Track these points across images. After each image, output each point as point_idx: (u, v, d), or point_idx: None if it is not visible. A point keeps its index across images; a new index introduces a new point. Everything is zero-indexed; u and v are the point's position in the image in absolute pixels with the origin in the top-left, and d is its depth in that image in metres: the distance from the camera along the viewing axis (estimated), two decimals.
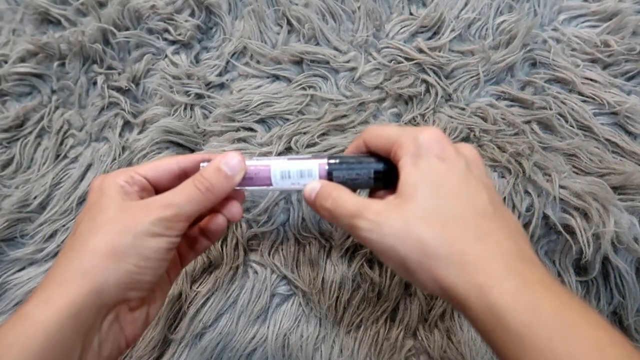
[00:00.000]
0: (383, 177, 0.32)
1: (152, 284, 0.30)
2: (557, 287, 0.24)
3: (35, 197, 0.48)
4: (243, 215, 0.42)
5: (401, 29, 0.49)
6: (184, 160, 0.33)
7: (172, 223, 0.29)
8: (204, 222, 0.35)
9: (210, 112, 0.49)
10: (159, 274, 0.30)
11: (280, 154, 0.45)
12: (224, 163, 0.31)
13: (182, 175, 0.33)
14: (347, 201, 0.29)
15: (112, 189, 0.30)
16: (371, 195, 0.35)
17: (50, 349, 0.25)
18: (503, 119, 0.46)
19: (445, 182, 0.27)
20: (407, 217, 0.27)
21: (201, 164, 0.33)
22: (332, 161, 0.33)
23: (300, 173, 0.33)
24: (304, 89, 0.48)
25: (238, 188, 0.34)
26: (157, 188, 0.33)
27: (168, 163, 0.33)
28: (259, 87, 0.49)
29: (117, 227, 0.28)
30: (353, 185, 0.33)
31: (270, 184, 0.33)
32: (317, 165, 0.32)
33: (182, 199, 0.30)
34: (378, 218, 0.27)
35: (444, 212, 0.27)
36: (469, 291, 0.24)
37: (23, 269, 0.48)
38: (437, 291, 0.26)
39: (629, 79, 0.47)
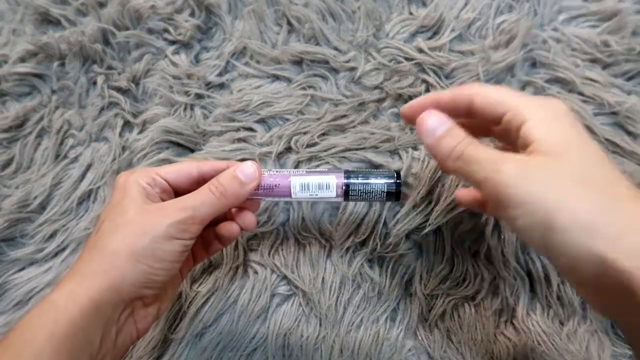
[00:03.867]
0: (395, 192, 0.35)
1: (165, 283, 0.32)
2: None
3: (35, 197, 0.48)
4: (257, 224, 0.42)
5: (401, 29, 0.49)
6: (204, 165, 0.35)
7: (187, 226, 0.31)
8: (219, 227, 0.36)
9: (210, 112, 0.49)
10: (172, 274, 0.32)
11: (280, 154, 0.45)
12: (240, 170, 0.33)
13: (201, 180, 0.34)
14: (484, 148, 0.27)
15: (134, 190, 0.32)
16: None
17: (75, 336, 0.27)
18: None
19: (588, 148, 0.25)
20: (560, 174, 0.24)
21: None
22: (348, 175, 0.35)
23: (319, 185, 0.35)
24: (304, 89, 0.48)
25: (258, 198, 0.36)
26: (176, 190, 0.35)
27: (188, 167, 0.35)
28: (259, 87, 0.49)
29: (135, 229, 0.30)
30: (366, 199, 0.36)
31: (290, 195, 0.35)
32: (334, 179, 0.35)
33: (197, 202, 0.31)
34: (527, 164, 0.25)
35: (599, 179, 0.24)
36: (636, 263, 0.21)
37: (23, 269, 0.48)
38: (584, 261, 0.22)
39: (629, 79, 0.47)
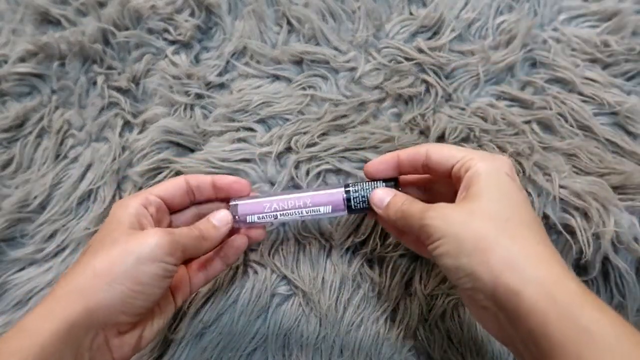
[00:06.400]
0: None
1: (143, 309, 0.31)
2: None
3: (35, 197, 0.48)
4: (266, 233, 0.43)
5: (401, 29, 0.49)
6: (191, 177, 0.37)
7: (172, 249, 0.31)
8: (231, 240, 0.38)
9: (210, 112, 0.49)
10: (151, 300, 0.31)
11: (280, 154, 0.45)
12: (214, 217, 0.36)
13: (190, 192, 0.37)
14: (417, 202, 0.33)
15: (124, 216, 0.32)
16: None
17: None
18: (503, 119, 0.46)
19: (512, 193, 0.30)
20: (473, 210, 0.29)
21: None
22: (348, 194, 0.37)
23: (318, 210, 0.37)
24: (304, 89, 0.48)
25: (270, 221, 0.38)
26: (170, 206, 0.36)
27: (176, 180, 0.37)
28: (259, 87, 0.49)
29: (119, 249, 0.30)
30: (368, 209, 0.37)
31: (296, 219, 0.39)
32: (330, 208, 0.37)
33: (181, 231, 0.33)
34: (446, 210, 0.30)
35: (508, 213, 0.29)
36: (525, 284, 0.25)
37: (23, 269, 0.48)
38: (485, 280, 0.27)
39: (629, 79, 0.47)
